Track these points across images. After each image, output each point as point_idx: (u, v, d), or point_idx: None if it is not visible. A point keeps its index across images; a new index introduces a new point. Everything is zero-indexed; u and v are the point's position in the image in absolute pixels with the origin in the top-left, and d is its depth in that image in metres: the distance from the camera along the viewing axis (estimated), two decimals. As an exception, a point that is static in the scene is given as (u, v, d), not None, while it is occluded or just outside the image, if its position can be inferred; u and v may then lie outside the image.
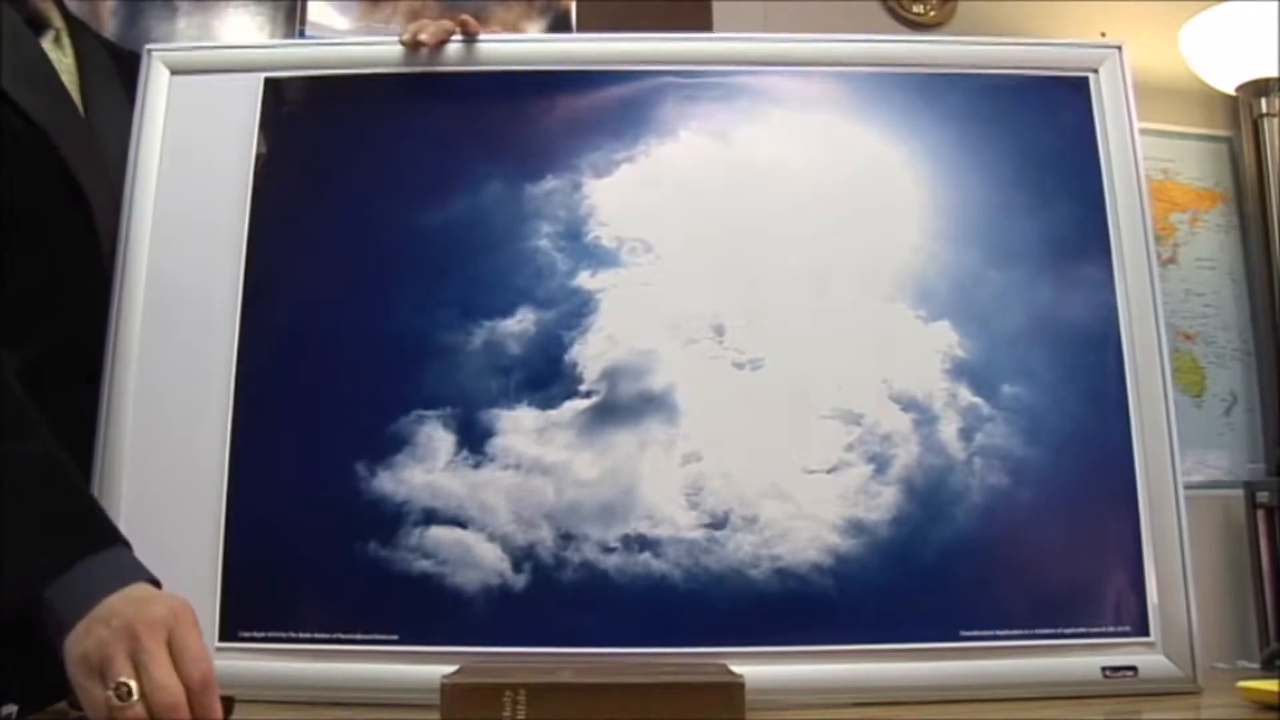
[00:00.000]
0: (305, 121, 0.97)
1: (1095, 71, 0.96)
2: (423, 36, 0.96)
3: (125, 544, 0.76)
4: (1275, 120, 2.20)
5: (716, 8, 2.08)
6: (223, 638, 0.84)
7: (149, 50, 0.97)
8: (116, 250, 0.91)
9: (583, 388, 0.88)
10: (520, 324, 0.89)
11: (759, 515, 0.86)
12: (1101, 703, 0.83)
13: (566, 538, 0.85)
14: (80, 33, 1.02)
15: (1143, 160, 0.94)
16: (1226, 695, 0.82)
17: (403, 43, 0.96)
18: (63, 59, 0.99)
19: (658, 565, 0.85)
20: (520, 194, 0.92)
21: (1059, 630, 0.85)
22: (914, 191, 0.93)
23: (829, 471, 0.87)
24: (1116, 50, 0.97)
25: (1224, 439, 2.21)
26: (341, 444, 0.88)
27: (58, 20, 1.00)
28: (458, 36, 0.97)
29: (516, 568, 0.85)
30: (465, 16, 0.98)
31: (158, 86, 0.95)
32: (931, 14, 2.26)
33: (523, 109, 0.95)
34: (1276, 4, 2.02)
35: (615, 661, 0.82)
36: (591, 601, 0.84)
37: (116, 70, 1.01)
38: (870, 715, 0.80)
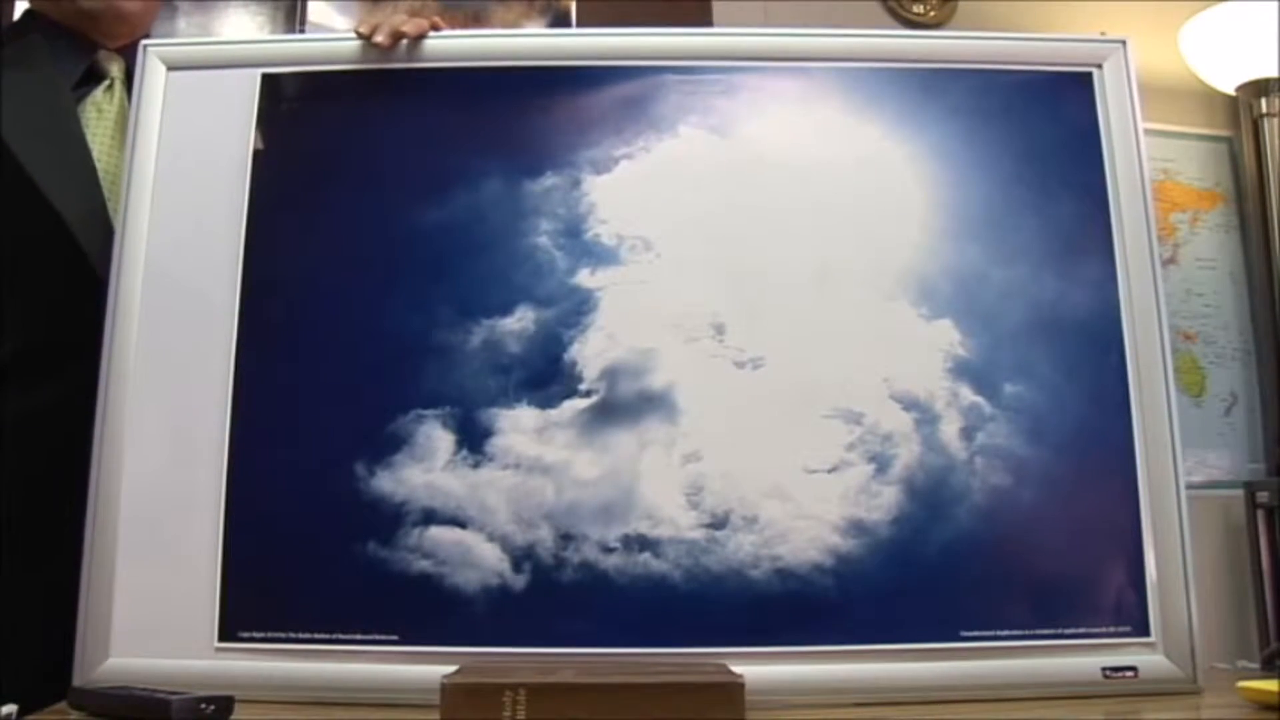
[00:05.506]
0: (303, 117, 0.96)
1: (1099, 66, 0.96)
2: (378, 39, 0.93)
3: None
4: (1275, 120, 2.20)
5: (717, 8, 2.08)
6: (222, 638, 0.84)
7: (145, 46, 0.96)
8: (111, 250, 0.92)
9: (582, 387, 0.88)
10: (519, 322, 0.89)
11: (759, 515, 0.85)
12: (1101, 703, 0.83)
13: (566, 538, 0.85)
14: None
15: (1147, 156, 0.94)
16: (1226, 695, 0.82)
17: (358, 34, 0.94)
18: (106, 107, 1.06)
19: (658, 565, 0.85)
20: (519, 191, 0.91)
21: (1059, 630, 0.85)
22: (916, 188, 0.93)
23: (829, 471, 0.87)
24: (1121, 45, 0.96)
25: (1224, 439, 2.21)
26: (340, 444, 0.87)
27: (115, 70, 1.09)
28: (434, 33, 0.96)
29: (516, 568, 0.85)
30: (434, 18, 0.97)
31: (154, 82, 0.95)
32: (931, 14, 2.26)
33: (522, 105, 0.94)
34: (1276, 4, 2.02)
35: (615, 661, 0.81)
36: (591, 602, 0.84)
37: None
38: (870, 715, 0.79)
